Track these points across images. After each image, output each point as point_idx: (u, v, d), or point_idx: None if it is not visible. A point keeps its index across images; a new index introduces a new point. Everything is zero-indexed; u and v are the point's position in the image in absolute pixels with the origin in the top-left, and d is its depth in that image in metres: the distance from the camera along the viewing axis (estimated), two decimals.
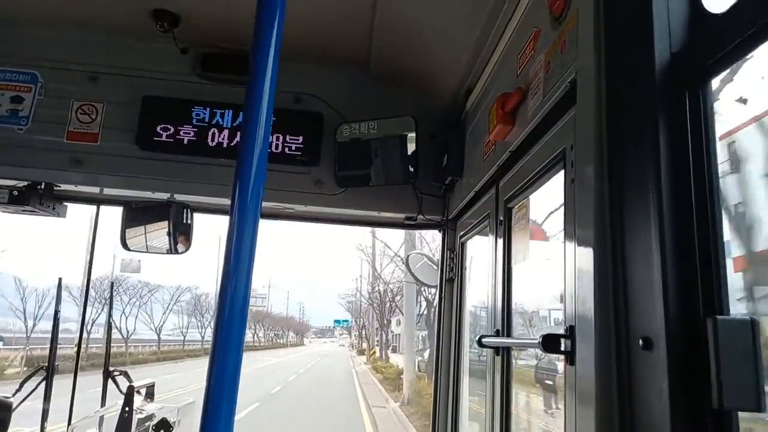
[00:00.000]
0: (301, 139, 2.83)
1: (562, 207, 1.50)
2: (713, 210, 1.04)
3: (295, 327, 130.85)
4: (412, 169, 2.75)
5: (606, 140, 1.26)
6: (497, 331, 2.04)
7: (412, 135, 2.73)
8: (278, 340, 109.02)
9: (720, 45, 1.01)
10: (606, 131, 1.27)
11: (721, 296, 0.99)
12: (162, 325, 55.58)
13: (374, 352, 49.13)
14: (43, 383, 2.81)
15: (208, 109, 2.83)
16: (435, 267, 3.26)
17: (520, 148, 1.83)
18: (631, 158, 1.20)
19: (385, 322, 45.68)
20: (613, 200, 1.22)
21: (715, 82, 1.09)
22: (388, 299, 42.71)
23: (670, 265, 1.03)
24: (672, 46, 1.13)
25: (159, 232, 2.99)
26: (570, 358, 1.33)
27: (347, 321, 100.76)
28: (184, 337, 63.67)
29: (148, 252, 3.20)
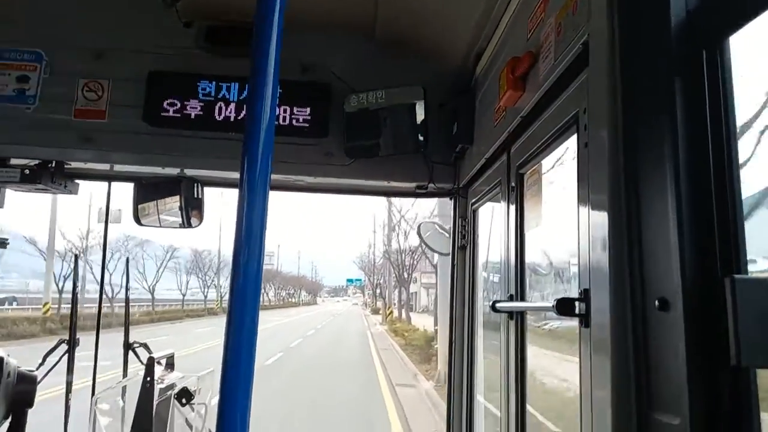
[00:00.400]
0: (308, 110, 2.81)
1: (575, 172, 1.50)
2: (731, 169, 1.03)
3: (308, 286, 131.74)
4: (421, 138, 2.73)
5: (620, 102, 1.25)
6: (511, 296, 2.06)
7: (421, 103, 2.71)
8: (290, 300, 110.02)
9: (738, 1, 0.99)
10: (620, 93, 1.25)
11: (739, 256, 1.00)
12: (155, 284, 54.68)
13: (391, 312, 45.74)
14: (66, 356, 2.89)
15: (213, 83, 2.81)
16: (446, 235, 3.27)
17: (531, 113, 1.82)
18: (645, 119, 1.19)
19: (406, 276, 40.57)
20: (628, 162, 1.21)
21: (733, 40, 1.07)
22: (408, 251, 38.66)
23: (686, 226, 1.03)
24: (688, 3, 1.10)
25: (171, 207, 3.01)
26: (585, 320, 1.34)
27: (360, 280, 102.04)
28: (183, 296, 62.97)
29: (161, 227, 3.24)
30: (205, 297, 67.16)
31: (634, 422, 1.13)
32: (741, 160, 1.05)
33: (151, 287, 53.56)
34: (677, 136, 1.06)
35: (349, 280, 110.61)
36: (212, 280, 68.30)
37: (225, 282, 59.84)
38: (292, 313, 69.48)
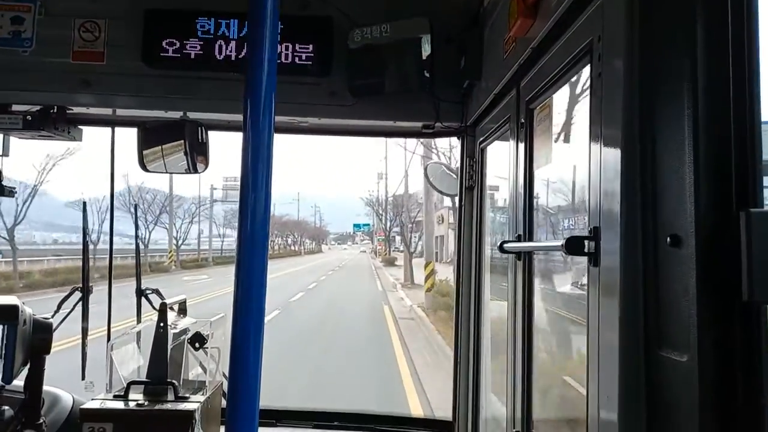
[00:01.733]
0: (311, 47, 2.71)
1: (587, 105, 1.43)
2: (752, 101, 0.97)
3: (311, 232, 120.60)
4: (427, 75, 2.64)
5: (637, 30, 1.18)
6: (519, 236, 2.03)
7: (427, 37, 2.60)
8: (293, 247, 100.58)
9: None
10: (638, 21, 1.18)
11: (756, 189, 0.95)
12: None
13: (432, 273, 22.66)
14: (80, 304, 2.94)
15: (212, 19, 2.71)
16: (454, 176, 3.22)
17: (542, 44, 1.73)
18: (664, 49, 1.12)
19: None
20: (643, 93, 1.15)
21: None
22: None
23: (702, 160, 0.98)
24: None
25: (176, 152, 2.97)
26: (594, 259, 1.32)
27: (368, 225, 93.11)
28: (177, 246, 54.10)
29: (167, 172, 3.21)
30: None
31: (642, 360, 1.11)
32: (763, 95, 0.99)
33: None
34: (696, 67, 1.00)
35: (356, 226, 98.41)
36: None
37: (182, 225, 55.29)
38: (291, 264, 56.78)
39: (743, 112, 0.97)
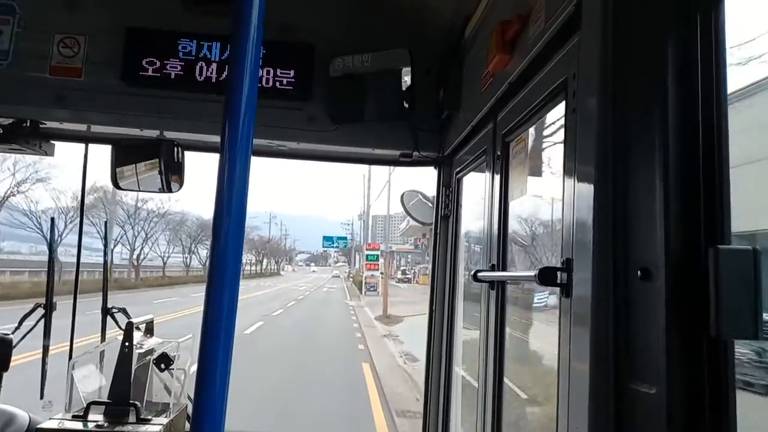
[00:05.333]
0: (292, 72, 2.74)
1: (562, 140, 1.47)
2: (720, 139, 1.01)
3: (269, 249, 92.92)
4: (407, 105, 2.68)
5: (611, 67, 1.22)
6: (493, 265, 2.05)
7: (407, 69, 2.65)
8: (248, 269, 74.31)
9: None
10: (611, 58, 1.22)
11: (723, 226, 0.98)
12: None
13: None
14: (42, 320, 2.85)
15: (194, 41, 2.72)
16: (430, 204, 3.24)
17: (519, 79, 1.78)
18: (636, 86, 1.16)
19: None
20: (616, 129, 1.19)
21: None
22: None
23: (673, 195, 1.02)
24: None
25: (150, 171, 2.95)
26: (566, 290, 1.34)
27: (345, 239, 67.36)
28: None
29: (140, 191, 3.17)
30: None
31: (611, 392, 1.12)
32: (731, 130, 1.03)
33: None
34: (668, 103, 1.04)
35: (327, 239, 64.97)
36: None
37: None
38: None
39: (712, 150, 1.00)
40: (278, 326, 23.78)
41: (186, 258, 63.52)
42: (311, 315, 29.77)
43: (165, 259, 58.11)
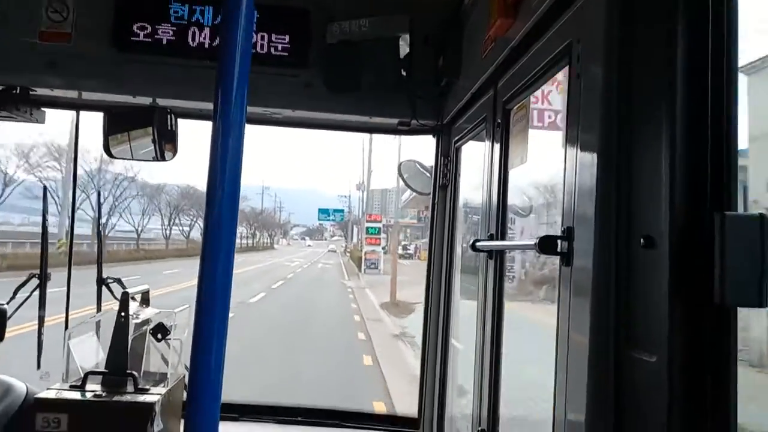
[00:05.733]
0: (287, 38, 2.67)
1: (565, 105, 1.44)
2: (730, 103, 0.98)
3: (261, 222, 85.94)
4: (405, 73, 2.62)
5: (617, 32, 1.18)
6: (491, 235, 2.03)
7: (406, 35, 2.59)
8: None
9: None
10: (618, 22, 1.18)
11: (730, 191, 0.96)
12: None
13: None
14: (37, 291, 2.83)
15: (186, 5, 2.64)
16: (428, 174, 3.21)
17: (521, 44, 1.73)
18: (643, 51, 1.12)
19: None
20: (621, 94, 1.16)
21: None
22: None
23: (679, 161, 0.99)
24: None
25: (143, 139, 2.89)
26: (566, 259, 1.32)
27: (341, 211, 61.88)
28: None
29: (133, 159, 3.12)
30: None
31: (611, 361, 1.12)
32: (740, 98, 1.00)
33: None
34: (676, 69, 1.01)
35: (323, 212, 60.12)
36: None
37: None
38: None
39: (721, 114, 0.97)
40: (252, 320, 16.56)
41: (165, 230, 58.74)
42: (299, 300, 23.57)
43: (139, 230, 53.15)
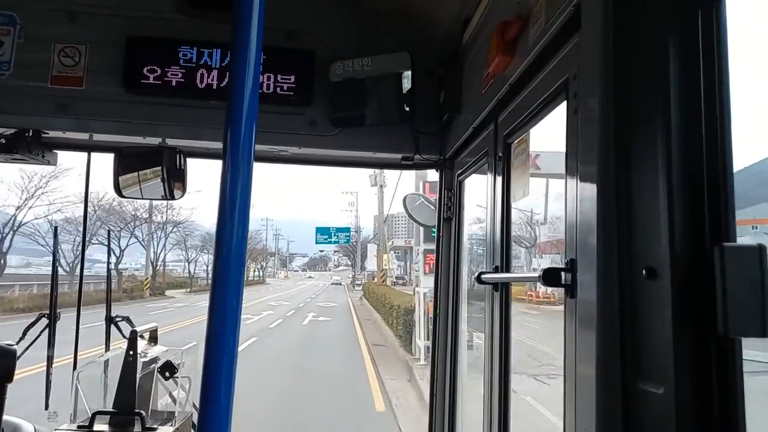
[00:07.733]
0: (293, 78, 2.74)
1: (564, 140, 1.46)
2: (723, 137, 1.00)
3: (259, 255, 76.75)
4: (408, 108, 2.68)
5: (612, 67, 1.21)
6: (496, 267, 2.04)
7: (407, 72, 2.65)
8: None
9: None
10: (612, 58, 1.21)
11: (728, 224, 0.98)
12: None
13: None
14: (47, 330, 2.85)
15: (195, 48, 2.72)
16: (432, 207, 3.24)
17: (520, 80, 1.77)
18: (638, 85, 1.15)
19: None
20: (618, 129, 1.18)
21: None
22: None
23: (676, 194, 1.01)
24: None
25: (153, 178, 2.95)
26: (570, 291, 1.33)
27: (347, 231, 50.37)
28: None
29: (143, 198, 3.17)
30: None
31: (619, 392, 1.11)
32: (734, 128, 1.02)
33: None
34: (669, 102, 1.03)
35: (322, 231, 49.03)
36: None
37: None
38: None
39: (715, 147, 0.99)
40: None
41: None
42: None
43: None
